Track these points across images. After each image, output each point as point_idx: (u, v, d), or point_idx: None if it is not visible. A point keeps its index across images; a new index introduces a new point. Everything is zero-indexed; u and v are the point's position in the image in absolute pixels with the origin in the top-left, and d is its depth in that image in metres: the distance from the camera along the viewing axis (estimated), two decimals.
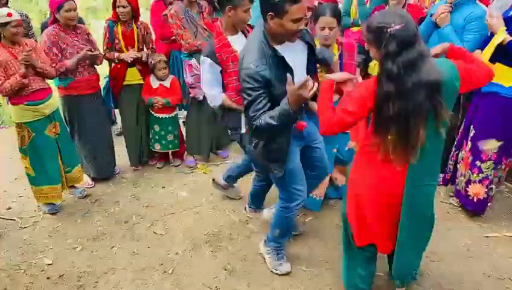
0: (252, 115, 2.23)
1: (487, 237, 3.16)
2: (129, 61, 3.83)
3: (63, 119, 3.66)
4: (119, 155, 4.28)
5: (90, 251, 3.15)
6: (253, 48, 2.25)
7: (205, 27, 3.90)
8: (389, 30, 1.80)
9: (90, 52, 3.56)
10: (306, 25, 2.28)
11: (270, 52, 2.22)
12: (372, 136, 2.02)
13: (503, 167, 3.25)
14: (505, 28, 2.90)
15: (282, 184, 2.64)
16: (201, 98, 4.02)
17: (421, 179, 2.07)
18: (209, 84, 2.85)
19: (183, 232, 3.32)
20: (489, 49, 2.94)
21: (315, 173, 2.88)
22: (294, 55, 2.33)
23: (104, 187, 4.02)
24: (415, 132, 1.89)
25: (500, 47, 2.91)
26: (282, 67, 2.23)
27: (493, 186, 3.27)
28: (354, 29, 4.14)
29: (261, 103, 2.21)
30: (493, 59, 3.03)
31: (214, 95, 2.85)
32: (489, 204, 3.46)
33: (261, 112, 2.21)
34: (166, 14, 3.99)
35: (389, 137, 1.94)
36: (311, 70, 2.53)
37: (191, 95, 4.07)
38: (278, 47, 2.26)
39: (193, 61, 3.86)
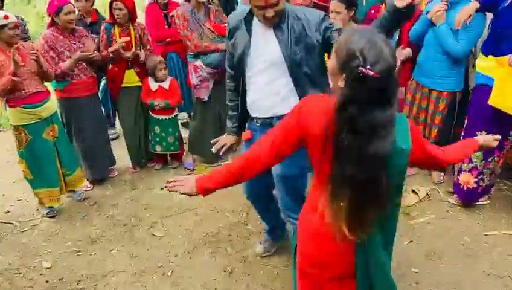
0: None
1: (486, 235, 3.16)
2: (121, 47, 3.79)
3: (62, 122, 3.65)
4: (117, 157, 4.28)
5: (89, 254, 3.15)
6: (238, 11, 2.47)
7: (212, 29, 3.89)
8: (359, 69, 1.28)
9: (85, 54, 3.56)
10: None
11: (247, 16, 2.30)
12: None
13: (495, 159, 3.26)
14: (496, 17, 3.01)
15: None
16: (206, 98, 4.02)
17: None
18: None
19: (182, 234, 3.32)
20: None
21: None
22: (264, 39, 2.28)
23: (102, 190, 4.01)
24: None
25: (492, 38, 2.93)
26: (245, 33, 2.30)
27: (484, 178, 3.29)
28: None
29: (229, 55, 2.45)
30: (486, 51, 3.05)
31: None
32: (485, 198, 3.47)
33: (227, 66, 2.51)
34: (173, 16, 3.99)
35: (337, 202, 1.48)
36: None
37: (196, 96, 4.08)
38: (257, 22, 2.29)
39: (198, 62, 3.87)
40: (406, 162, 1.49)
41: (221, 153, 2.51)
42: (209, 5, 3.98)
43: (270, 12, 2.13)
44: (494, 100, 2.97)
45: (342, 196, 1.44)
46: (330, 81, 1.73)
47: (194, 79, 3.93)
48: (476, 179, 3.29)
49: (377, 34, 1.37)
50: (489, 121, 3.11)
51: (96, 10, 4.59)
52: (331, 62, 1.43)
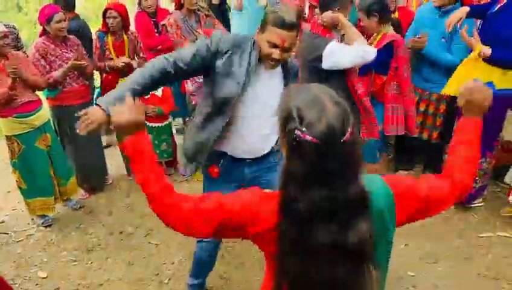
0: (169, 57, 1.99)
1: (481, 237, 3.19)
2: (120, 66, 3.81)
3: (55, 131, 3.64)
4: (111, 164, 4.27)
5: (85, 263, 3.13)
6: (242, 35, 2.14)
7: (204, 35, 3.91)
8: (295, 132, 1.04)
9: (77, 62, 3.56)
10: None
11: (251, 44, 2.02)
12: None
13: (487, 160, 3.29)
14: (484, 23, 3.04)
15: None
16: None
17: None
18: None
19: (179, 241, 3.31)
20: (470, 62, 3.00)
21: None
22: (263, 84, 2.06)
23: (97, 198, 4.00)
24: None
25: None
26: (244, 69, 1.98)
27: (477, 179, 3.32)
28: None
29: (183, 53, 1.98)
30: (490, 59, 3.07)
31: None
32: (479, 200, 3.50)
33: (174, 62, 1.96)
34: (165, 24, 3.99)
35: None
36: None
37: (193, 103, 4.08)
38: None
39: None
40: (392, 225, 1.25)
41: (84, 132, 1.72)
42: (198, 12, 3.99)
43: (278, 55, 1.95)
44: (447, 89, 3.06)
45: None
46: None
47: (190, 86, 3.93)
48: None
49: (326, 89, 1.10)
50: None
51: (77, 15, 4.61)
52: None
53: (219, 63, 1.99)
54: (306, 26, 3.93)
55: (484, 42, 2.96)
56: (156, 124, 4.11)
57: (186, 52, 2.01)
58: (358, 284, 1.08)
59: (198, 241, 2.51)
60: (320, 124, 1.01)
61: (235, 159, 2.21)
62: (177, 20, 3.83)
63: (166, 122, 4.17)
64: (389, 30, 3.20)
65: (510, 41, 2.85)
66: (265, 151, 2.22)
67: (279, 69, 2.10)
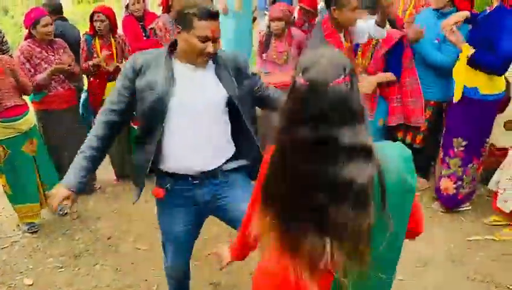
0: (103, 110, 1.99)
1: (469, 240, 3.21)
2: (103, 60, 3.75)
3: (41, 136, 3.59)
4: (99, 169, 4.20)
5: (72, 270, 3.08)
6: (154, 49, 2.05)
7: None
8: (295, 79, 1.15)
9: (60, 66, 3.51)
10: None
11: (165, 55, 1.93)
12: None
13: (475, 165, 3.32)
14: (475, 27, 3.06)
15: None
16: None
17: None
18: None
19: None
20: (462, 64, 3.03)
21: None
22: (191, 80, 1.92)
23: (84, 203, 3.94)
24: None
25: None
26: (168, 76, 1.88)
27: (464, 185, 3.35)
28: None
29: (117, 98, 1.96)
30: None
31: None
32: (467, 204, 3.52)
33: (111, 111, 1.96)
34: (153, 28, 3.96)
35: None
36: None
37: None
38: (180, 62, 1.93)
39: None
40: (409, 204, 1.24)
41: (59, 211, 1.99)
42: None
43: (211, 48, 1.85)
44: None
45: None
46: None
47: None
48: (455, 185, 3.34)
49: (338, 51, 1.21)
50: (467, 129, 3.18)
51: (63, 17, 4.57)
52: None
53: (138, 82, 1.90)
54: (296, 31, 3.95)
55: (471, 46, 2.99)
56: None
57: (112, 94, 1.99)
58: (333, 214, 1.12)
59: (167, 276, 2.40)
60: (313, 69, 1.11)
61: (181, 178, 1.99)
62: (165, 23, 3.82)
63: None
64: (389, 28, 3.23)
65: (493, 46, 2.88)
66: (215, 166, 1.99)
67: (211, 65, 1.96)
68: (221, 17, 1.95)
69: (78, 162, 1.98)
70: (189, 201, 2.05)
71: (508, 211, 3.09)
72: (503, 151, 3.38)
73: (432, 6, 3.44)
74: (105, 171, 4.26)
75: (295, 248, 1.17)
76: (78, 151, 2.01)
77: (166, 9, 3.90)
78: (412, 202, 1.24)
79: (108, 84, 3.94)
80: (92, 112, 4.22)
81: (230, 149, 2.05)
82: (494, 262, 2.97)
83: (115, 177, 4.30)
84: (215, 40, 1.85)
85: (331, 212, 1.11)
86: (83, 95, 4.48)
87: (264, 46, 3.92)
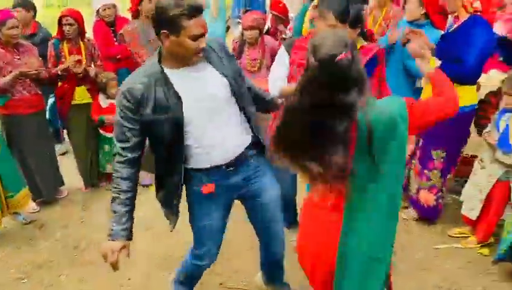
0: (117, 150, 1.97)
1: (437, 248, 3.26)
2: (71, 65, 3.66)
3: (3, 141, 3.45)
4: (66, 177, 4.10)
5: (35, 281, 2.97)
6: (140, 69, 2.00)
7: None
8: (309, 60, 1.56)
9: (25, 70, 3.41)
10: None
11: (157, 71, 1.89)
12: None
13: (451, 176, 3.39)
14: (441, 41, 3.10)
15: None
16: None
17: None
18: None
19: (137, 255, 3.18)
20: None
21: (264, 242, 2.42)
22: (192, 82, 1.95)
23: (50, 211, 3.82)
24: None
25: None
26: (171, 93, 1.89)
27: (443, 195, 3.41)
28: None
29: (126, 136, 1.92)
30: None
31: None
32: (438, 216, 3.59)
33: (125, 150, 1.93)
34: (122, 33, 3.90)
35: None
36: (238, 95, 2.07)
37: None
38: (172, 70, 1.92)
39: None
40: (403, 128, 1.60)
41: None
42: None
43: (203, 43, 1.85)
44: None
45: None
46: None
47: None
48: (436, 197, 3.38)
49: (341, 31, 1.68)
50: (444, 140, 3.23)
51: (38, 23, 4.46)
52: None
53: (145, 111, 1.89)
54: (269, 39, 3.96)
55: (439, 58, 3.06)
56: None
57: (118, 134, 1.94)
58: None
59: (196, 260, 2.38)
60: (321, 49, 1.48)
61: (216, 169, 2.07)
62: (134, 29, 3.76)
63: None
64: (363, 42, 3.25)
65: (460, 59, 2.96)
66: (242, 149, 2.10)
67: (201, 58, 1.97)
68: None
69: (116, 210, 1.99)
70: (224, 189, 2.12)
71: (474, 219, 3.16)
72: (471, 159, 3.48)
73: (406, 18, 3.51)
74: (73, 178, 4.16)
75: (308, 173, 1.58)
76: (112, 198, 2.00)
77: (136, 14, 3.85)
78: (405, 130, 1.60)
79: (78, 89, 3.86)
80: (60, 118, 4.11)
81: (248, 130, 2.14)
82: (461, 270, 3.03)
83: (83, 186, 4.18)
84: (204, 34, 1.84)
85: (327, 151, 1.51)
86: (50, 100, 4.37)
87: (238, 54, 3.92)
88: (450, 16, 3.53)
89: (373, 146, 1.54)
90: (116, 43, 4.38)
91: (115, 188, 1.99)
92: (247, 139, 2.14)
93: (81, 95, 3.90)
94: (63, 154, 4.78)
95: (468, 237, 3.28)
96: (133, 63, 4.09)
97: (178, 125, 1.91)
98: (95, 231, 3.52)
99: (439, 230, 3.49)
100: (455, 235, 3.36)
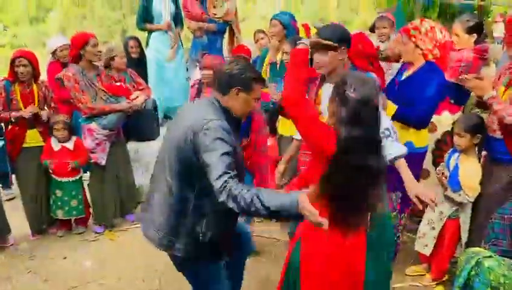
0: (222, 174, 1.87)
1: (394, 287, 3.27)
2: (27, 116, 3.58)
3: None
4: (12, 223, 3.88)
5: None
6: (203, 106, 2.14)
7: (104, 89, 3.80)
8: (346, 93, 1.83)
9: None
10: None
11: (224, 111, 2.13)
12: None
13: (405, 215, 3.45)
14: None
15: None
16: (103, 162, 3.88)
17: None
18: None
19: None
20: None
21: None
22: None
23: None
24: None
25: None
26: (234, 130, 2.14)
27: (400, 235, 3.45)
28: (264, 90, 4.27)
29: (232, 163, 1.93)
30: None
31: None
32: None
33: (232, 174, 1.89)
34: (59, 78, 3.81)
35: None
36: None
37: (92, 161, 3.88)
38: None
39: (93, 125, 3.74)
40: None
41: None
42: (97, 64, 3.91)
43: (257, 105, 2.29)
44: None
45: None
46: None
47: (89, 143, 3.80)
48: (395, 238, 3.40)
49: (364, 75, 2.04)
50: (399, 182, 3.29)
51: None
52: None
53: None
54: None
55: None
56: (66, 179, 3.86)
57: (225, 160, 1.92)
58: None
59: None
60: (363, 88, 1.82)
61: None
62: (75, 73, 3.67)
63: (76, 177, 3.93)
64: None
65: (413, 104, 3.08)
66: None
67: None
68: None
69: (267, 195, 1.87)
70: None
71: (428, 255, 3.21)
72: None
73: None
74: (20, 225, 3.94)
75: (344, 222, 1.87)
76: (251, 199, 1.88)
77: (76, 59, 3.77)
78: None
79: (29, 132, 3.75)
80: (9, 161, 3.95)
81: None
82: None
83: (31, 233, 3.97)
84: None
85: (370, 193, 1.87)
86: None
87: (196, 94, 3.96)
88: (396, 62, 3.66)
89: None
90: None
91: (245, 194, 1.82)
92: None
93: (32, 138, 3.78)
94: (11, 199, 4.55)
95: (424, 275, 3.32)
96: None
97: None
98: (42, 282, 3.32)
99: (396, 269, 3.50)
100: (412, 274, 3.40)
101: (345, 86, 1.83)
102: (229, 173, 1.87)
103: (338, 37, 2.43)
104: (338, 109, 1.84)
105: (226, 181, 1.84)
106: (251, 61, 4.70)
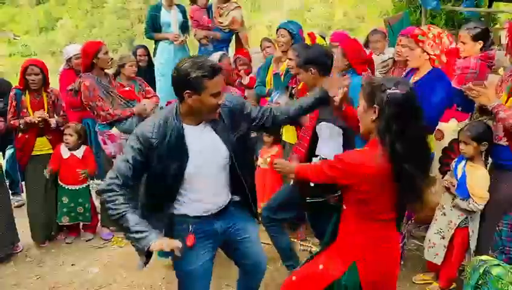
0: (111, 177, 2.07)
1: None
2: (36, 121, 3.63)
3: None
4: (22, 231, 3.92)
5: None
6: (158, 115, 2.17)
7: (120, 95, 3.85)
8: (388, 91, 1.85)
9: None
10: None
11: (175, 125, 2.09)
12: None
13: (413, 221, 3.44)
14: None
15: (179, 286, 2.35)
16: None
17: None
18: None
19: None
20: None
21: (246, 276, 2.57)
22: (203, 141, 2.16)
23: (3, 268, 3.62)
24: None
25: None
26: (179, 148, 2.10)
27: (406, 241, 3.44)
28: (266, 98, 4.28)
29: (126, 168, 2.06)
30: None
31: None
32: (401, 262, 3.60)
33: (119, 182, 2.05)
34: (72, 89, 3.83)
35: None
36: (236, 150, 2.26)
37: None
38: (189, 126, 2.14)
39: (114, 130, 3.77)
40: None
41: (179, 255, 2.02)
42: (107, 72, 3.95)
43: (222, 99, 2.09)
44: None
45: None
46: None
47: (111, 148, 3.81)
48: (401, 244, 3.39)
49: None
50: None
51: None
52: (360, 106, 1.97)
53: (153, 154, 2.08)
54: (232, 89, 4.06)
55: None
56: (74, 187, 3.90)
57: (121, 166, 2.07)
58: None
59: None
60: (401, 85, 1.87)
61: (205, 217, 2.24)
62: (92, 83, 3.70)
63: (84, 185, 3.97)
64: None
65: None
66: (228, 200, 2.33)
67: (209, 124, 2.18)
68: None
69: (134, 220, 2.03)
70: (209, 234, 2.27)
71: (439, 264, 3.18)
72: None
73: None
74: (29, 232, 3.98)
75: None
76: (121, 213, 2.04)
77: (89, 68, 3.79)
78: None
79: (39, 139, 3.80)
80: (19, 169, 3.99)
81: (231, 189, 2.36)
82: None
83: (33, 242, 3.99)
84: (222, 91, 2.08)
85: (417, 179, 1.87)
86: (9, 151, 4.25)
87: None
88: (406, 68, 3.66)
89: None
90: None
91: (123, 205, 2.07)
92: (228, 197, 2.35)
93: (41, 146, 3.83)
94: (21, 206, 4.60)
95: (431, 283, 3.30)
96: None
97: (180, 175, 2.11)
98: (50, 288, 3.34)
99: (402, 276, 3.49)
100: (420, 282, 3.37)
101: (382, 86, 1.85)
102: (119, 179, 2.05)
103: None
104: (381, 111, 1.84)
105: (110, 184, 2.05)
106: (256, 68, 4.75)
